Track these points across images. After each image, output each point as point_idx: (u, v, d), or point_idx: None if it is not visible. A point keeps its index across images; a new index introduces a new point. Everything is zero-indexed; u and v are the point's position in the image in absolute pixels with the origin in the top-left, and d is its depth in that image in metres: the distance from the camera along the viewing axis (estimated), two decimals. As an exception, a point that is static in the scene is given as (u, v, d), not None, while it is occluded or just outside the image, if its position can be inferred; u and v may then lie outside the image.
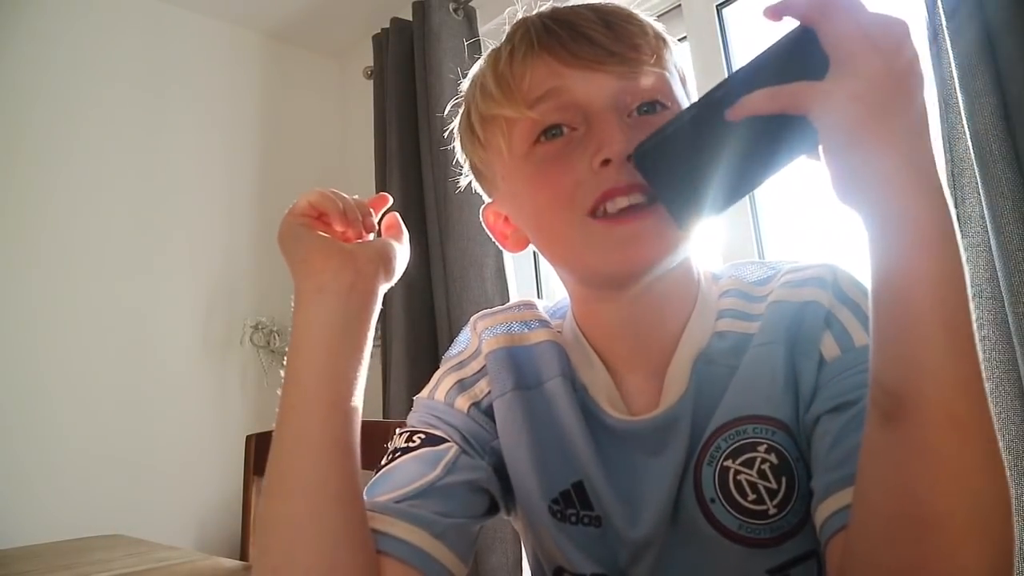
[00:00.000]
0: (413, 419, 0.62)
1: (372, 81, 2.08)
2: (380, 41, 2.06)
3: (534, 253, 1.02)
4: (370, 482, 0.56)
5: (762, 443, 0.52)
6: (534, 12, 0.59)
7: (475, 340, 0.65)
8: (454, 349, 0.67)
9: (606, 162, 0.51)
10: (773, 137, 0.44)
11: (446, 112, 0.67)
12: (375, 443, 0.66)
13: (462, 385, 0.62)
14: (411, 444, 0.58)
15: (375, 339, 0.54)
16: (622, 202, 0.51)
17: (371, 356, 0.54)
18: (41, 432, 1.69)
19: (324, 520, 0.47)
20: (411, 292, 1.81)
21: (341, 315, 0.51)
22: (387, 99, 1.98)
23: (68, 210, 1.84)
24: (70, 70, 1.90)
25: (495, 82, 0.57)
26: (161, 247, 1.99)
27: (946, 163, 1.08)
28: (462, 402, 0.61)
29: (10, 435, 1.65)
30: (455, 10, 1.90)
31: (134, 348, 1.88)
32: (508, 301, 0.86)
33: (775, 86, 0.42)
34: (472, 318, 0.68)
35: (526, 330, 0.64)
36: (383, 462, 0.58)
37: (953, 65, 1.07)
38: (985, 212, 1.01)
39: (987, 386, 0.39)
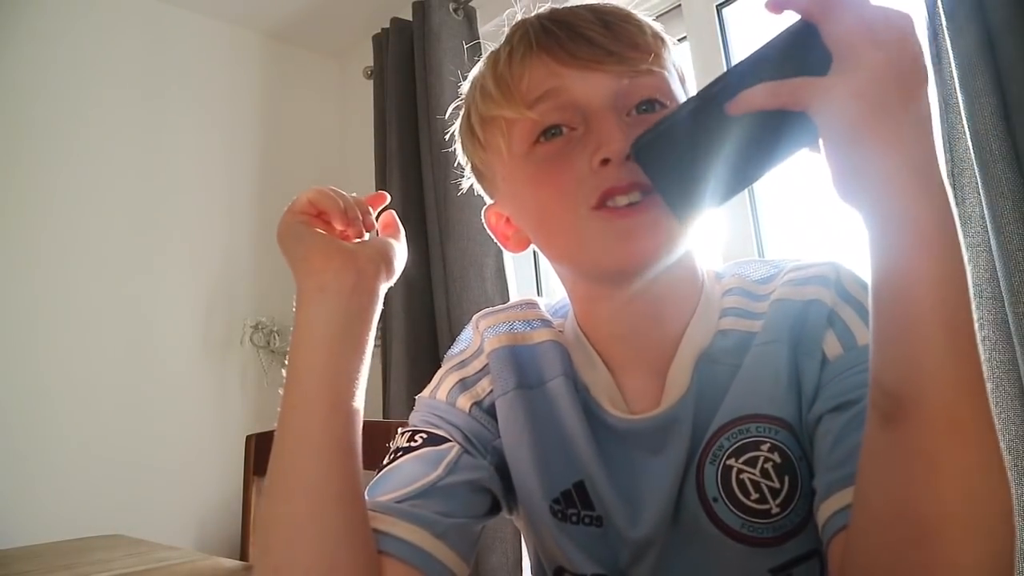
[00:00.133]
0: (415, 418, 0.62)
1: (372, 81, 2.08)
2: (380, 41, 2.06)
3: (534, 253, 1.02)
4: (372, 482, 0.55)
5: (765, 442, 0.52)
6: (533, 13, 0.59)
7: (477, 339, 0.65)
8: (456, 348, 0.67)
9: (605, 161, 0.51)
10: (773, 131, 0.44)
11: (447, 115, 0.67)
12: (375, 443, 0.66)
13: (464, 384, 0.62)
14: (413, 444, 0.57)
15: (375, 339, 0.54)
16: (622, 201, 0.51)
17: (371, 356, 0.54)
18: (41, 432, 1.69)
19: (325, 520, 0.47)
20: (411, 292, 1.81)
21: (343, 315, 0.51)
22: (387, 99, 1.98)
23: (68, 210, 1.84)
24: (70, 70, 1.90)
25: (494, 83, 0.57)
26: (161, 247, 1.98)
27: (946, 163, 1.08)
28: (464, 401, 0.61)
29: (10, 435, 1.65)
30: (455, 10, 1.89)
31: (134, 348, 1.88)
32: (508, 301, 0.86)
33: (775, 81, 0.42)
34: (474, 317, 0.68)
35: (528, 329, 0.64)
36: (385, 461, 0.58)
37: (953, 65, 1.06)
38: (985, 212, 1.01)
39: (988, 387, 0.39)
